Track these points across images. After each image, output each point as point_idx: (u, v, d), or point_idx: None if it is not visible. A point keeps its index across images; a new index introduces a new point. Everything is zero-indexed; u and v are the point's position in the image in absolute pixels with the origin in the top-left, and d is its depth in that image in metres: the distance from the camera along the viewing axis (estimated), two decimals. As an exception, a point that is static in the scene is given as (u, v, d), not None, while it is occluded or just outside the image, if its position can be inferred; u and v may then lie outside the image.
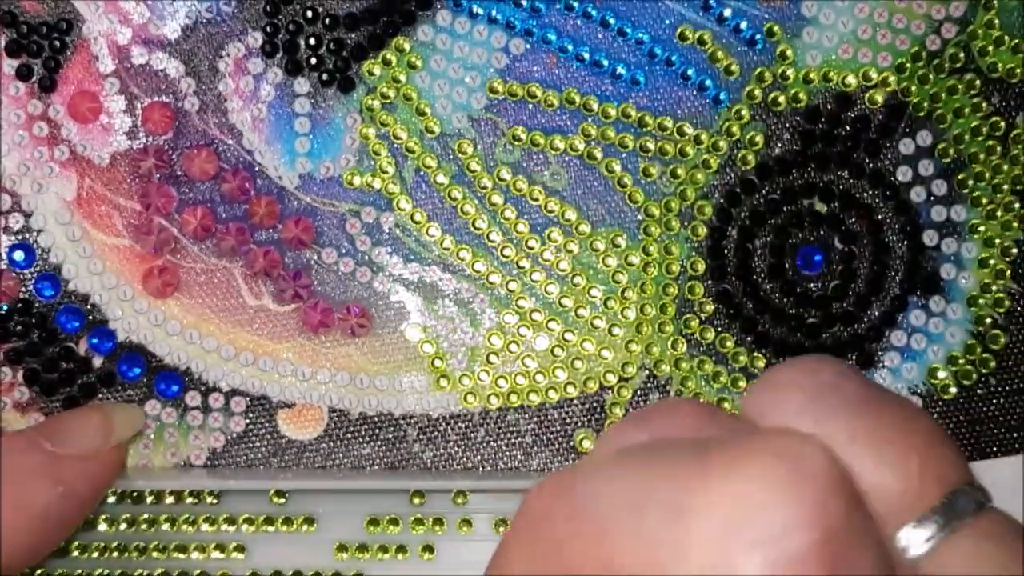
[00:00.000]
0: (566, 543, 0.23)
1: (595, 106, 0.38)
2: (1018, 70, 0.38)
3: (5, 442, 0.34)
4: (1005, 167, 0.38)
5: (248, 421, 0.38)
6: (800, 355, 0.37)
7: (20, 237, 0.38)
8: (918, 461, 0.23)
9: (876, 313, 0.39)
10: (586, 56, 0.38)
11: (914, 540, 0.22)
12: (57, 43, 0.37)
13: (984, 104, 0.38)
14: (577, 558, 0.23)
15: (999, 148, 0.38)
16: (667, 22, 0.38)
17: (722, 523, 0.20)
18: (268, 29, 0.38)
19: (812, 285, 0.39)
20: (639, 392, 0.38)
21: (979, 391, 0.39)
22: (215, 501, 0.38)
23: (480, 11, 0.38)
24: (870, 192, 0.38)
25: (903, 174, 0.38)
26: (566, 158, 0.38)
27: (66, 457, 0.34)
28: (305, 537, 0.38)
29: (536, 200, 0.38)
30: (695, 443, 0.23)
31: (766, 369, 0.36)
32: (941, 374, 0.38)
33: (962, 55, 0.38)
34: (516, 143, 0.38)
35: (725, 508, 0.21)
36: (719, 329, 0.39)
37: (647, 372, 0.38)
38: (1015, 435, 0.39)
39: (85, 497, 0.35)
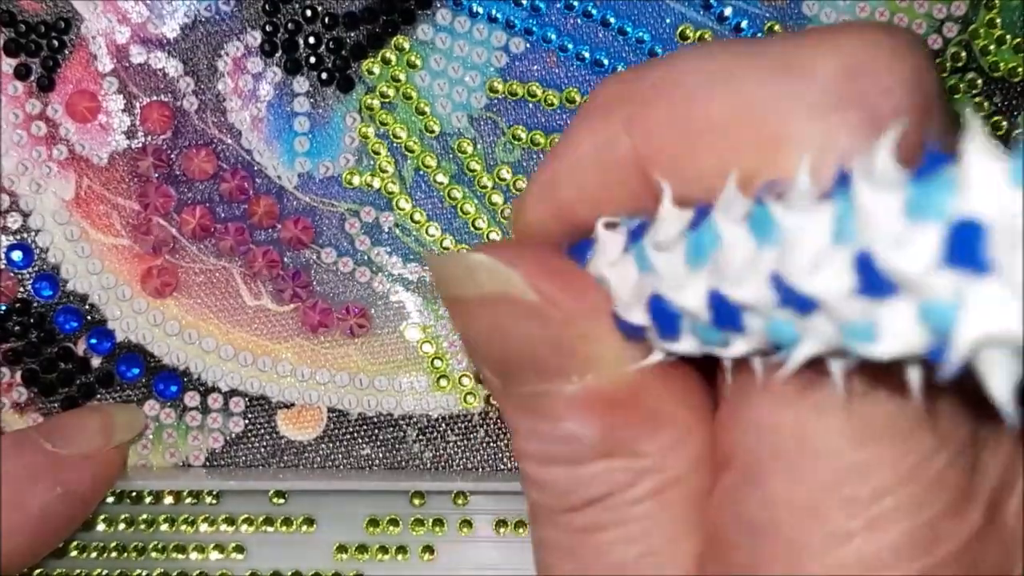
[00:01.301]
0: (644, 111, 0.23)
1: (595, 105, 0.38)
2: (1020, 69, 0.38)
3: (5, 442, 0.34)
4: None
5: (247, 421, 0.39)
6: None
7: (18, 237, 0.38)
8: None
9: (877, 313, 0.39)
10: (586, 55, 0.38)
11: None
12: (55, 42, 0.38)
13: (986, 103, 0.38)
14: (657, 125, 0.23)
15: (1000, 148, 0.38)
16: (668, 21, 0.38)
17: (822, 79, 0.21)
18: (267, 28, 0.38)
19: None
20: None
21: (981, 391, 0.39)
22: (214, 501, 0.39)
23: (480, 10, 0.38)
24: (871, 192, 0.39)
25: (904, 174, 0.38)
26: (566, 157, 0.38)
27: (66, 457, 0.35)
28: (304, 538, 0.39)
29: (536, 200, 0.38)
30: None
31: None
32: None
33: (964, 54, 0.38)
34: (516, 142, 0.38)
35: (827, 66, 0.21)
36: (720, 329, 0.39)
37: (647, 372, 0.39)
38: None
39: (85, 498, 0.35)
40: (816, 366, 0.20)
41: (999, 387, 0.16)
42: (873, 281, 0.17)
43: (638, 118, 0.23)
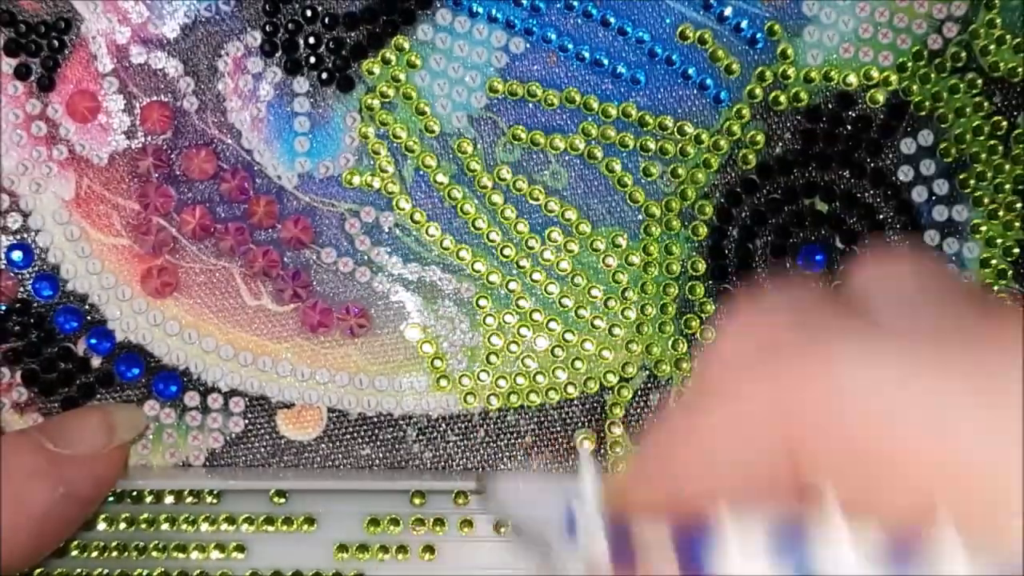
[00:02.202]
0: (809, 439, 0.21)
1: (595, 105, 0.39)
2: (1020, 69, 0.39)
3: (6, 442, 0.35)
4: (1007, 167, 0.39)
5: (247, 421, 0.39)
6: None
7: (18, 237, 0.38)
8: None
9: (877, 313, 0.39)
10: (586, 55, 0.39)
11: None
12: (55, 42, 0.38)
13: (986, 103, 0.39)
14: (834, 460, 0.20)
15: (1001, 148, 0.39)
16: (667, 21, 0.39)
17: None
18: (267, 28, 0.38)
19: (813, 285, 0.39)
20: (639, 392, 0.39)
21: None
22: (215, 501, 0.39)
23: (480, 10, 0.38)
24: (871, 192, 0.39)
25: (904, 174, 0.39)
26: (566, 157, 0.39)
27: (68, 457, 0.35)
28: (305, 537, 0.39)
29: (536, 200, 0.39)
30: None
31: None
32: (943, 374, 0.39)
33: (964, 54, 0.39)
34: (516, 142, 0.39)
35: None
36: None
37: (648, 372, 0.39)
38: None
39: (86, 498, 0.36)
40: None
41: None
42: None
43: (800, 440, 0.21)
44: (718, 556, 0.21)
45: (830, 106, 0.39)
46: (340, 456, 0.39)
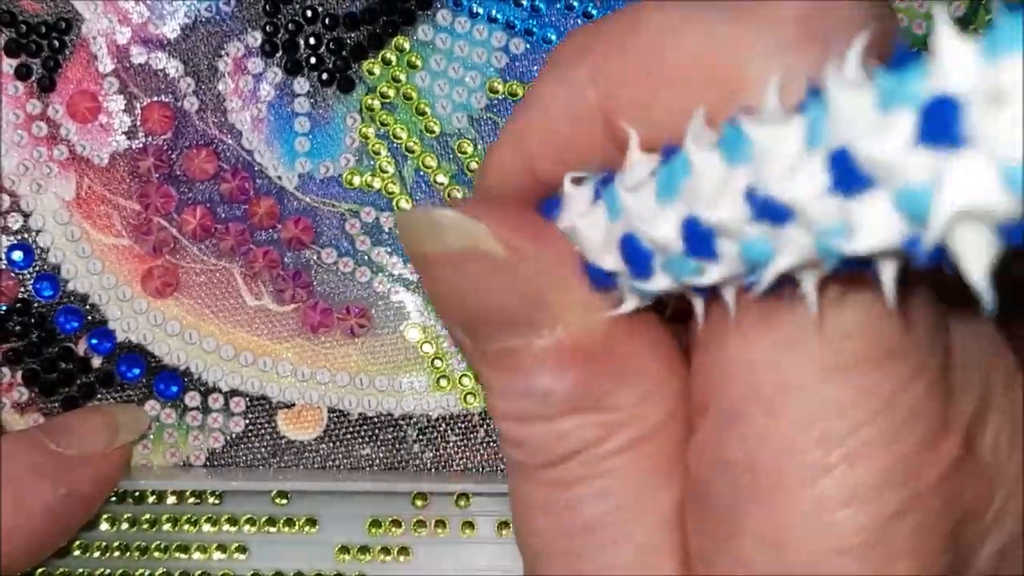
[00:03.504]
0: (610, 60, 0.24)
1: (596, 106, 0.39)
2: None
3: (7, 442, 0.35)
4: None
5: (247, 421, 0.40)
6: None
7: (19, 237, 0.39)
8: None
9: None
10: (587, 56, 0.39)
11: None
12: (56, 42, 0.38)
13: (986, 104, 0.39)
14: (625, 73, 0.23)
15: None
16: (668, 21, 0.39)
17: (782, 18, 0.21)
18: (268, 28, 0.39)
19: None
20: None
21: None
22: (217, 502, 0.39)
23: (480, 10, 0.39)
24: (871, 192, 0.39)
25: (904, 174, 0.39)
26: (566, 158, 0.39)
27: (70, 457, 0.35)
28: (307, 538, 0.39)
29: (536, 200, 0.39)
30: None
31: None
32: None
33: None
34: (516, 143, 0.39)
35: (790, 4, 0.22)
36: (720, 329, 0.40)
37: (648, 372, 0.40)
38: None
39: (88, 498, 0.36)
40: (788, 299, 0.21)
41: (976, 266, 0.17)
42: (848, 177, 0.18)
43: (601, 67, 0.24)
44: (564, 212, 0.25)
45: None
46: (340, 456, 0.40)
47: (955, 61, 0.16)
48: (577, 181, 0.25)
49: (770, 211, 0.19)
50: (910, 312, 0.22)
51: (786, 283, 0.21)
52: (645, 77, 0.23)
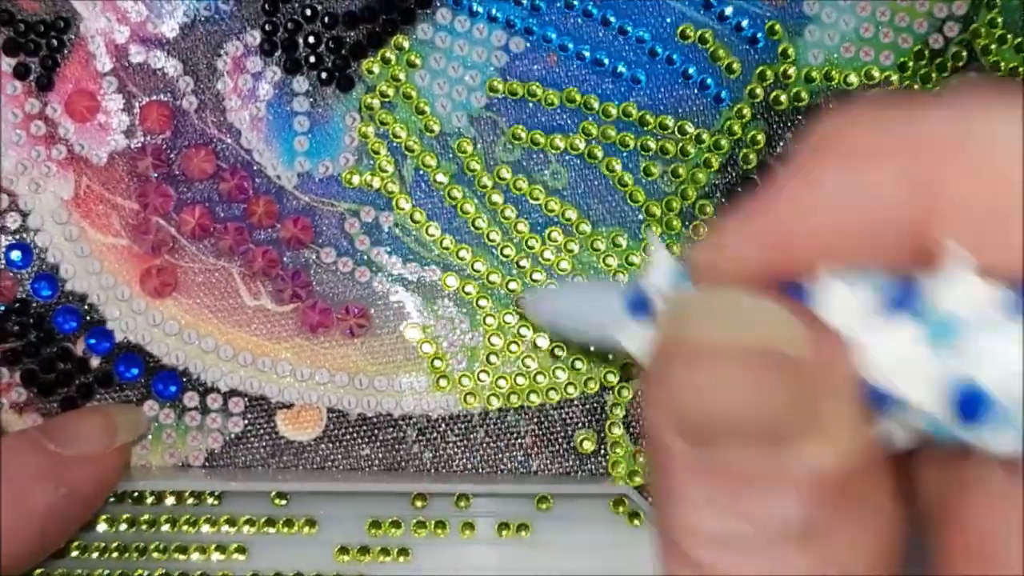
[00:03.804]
0: (933, 170, 0.21)
1: (596, 105, 0.39)
2: (1021, 68, 0.39)
3: (8, 442, 0.35)
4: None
5: (246, 422, 0.39)
6: None
7: (17, 237, 0.39)
8: None
9: (878, 313, 0.40)
10: (586, 54, 0.39)
11: None
12: (55, 41, 0.38)
13: (987, 103, 0.39)
14: (959, 191, 0.20)
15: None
16: (668, 20, 0.39)
17: None
18: (267, 27, 0.39)
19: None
20: (640, 393, 0.39)
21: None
22: (216, 502, 0.39)
23: (480, 9, 0.39)
24: (872, 191, 0.39)
25: (905, 173, 0.39)
26: (566, 157, 0.39)
27: (69, 458, 0.35)
28: (306, 539, 0.39)
29: (536, 199, 0.39)
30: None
31: None
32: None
33: (965, 53, 0.39)
34: (516, 142, 0.39)
35: None
36: (720, 329, 0.40)
37: (648, 372, 0.39)
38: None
39: (88, 498, 0.36)
40: None
41: None
42: None
43: (923, 173, 0.20)
44: (824, 302, 0.22)
45: (831, 106, 0.39)
46: (340, 456, 0.40)
47: None
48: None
49: None
50: None
51: None
52: (989, 198, 0.20)
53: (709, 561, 0.22)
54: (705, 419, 0.21)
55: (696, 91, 0.39)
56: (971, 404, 0.19)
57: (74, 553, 0.39)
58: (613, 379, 0.40)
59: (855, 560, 0.21)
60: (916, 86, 0.39)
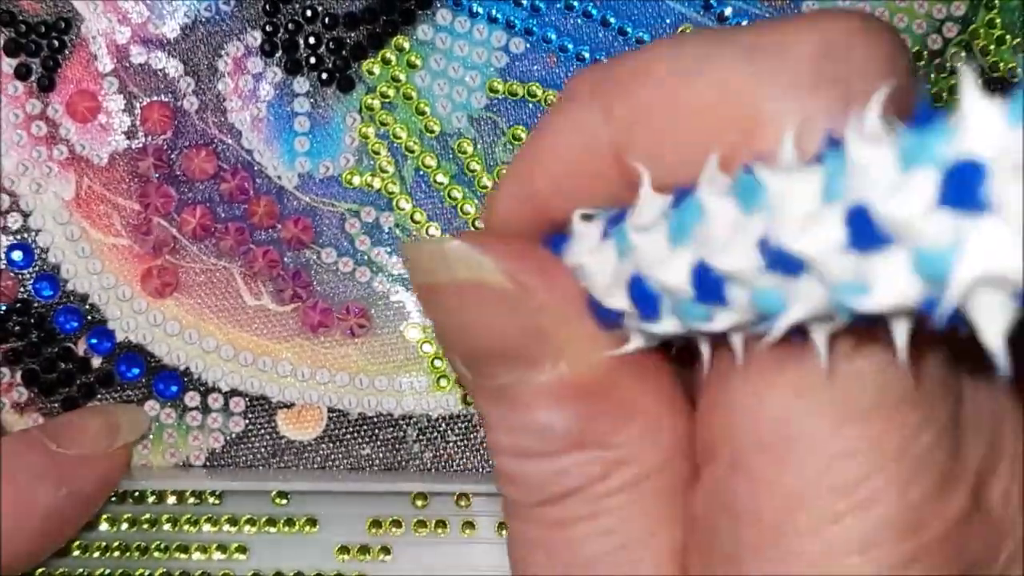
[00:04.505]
0: (623, 98, 0.24)
1: (596, 105, 0.39)
2: (1020, 69, 0.39)
3: (8, 442, 0.35)
4: (1007, 167, 0.39)
5: (247, 421, 0.40)
6: None
7: (18, 237, 0.39)
8: None
9: (877, 313, 0.40)
10: (586, 55, 0.39)
11: None
12: (56, 42, 0.39)
13: (986, 104, 0.39)
14: (634, 113, 0.24)
15: (1000, 148, 0.39)
16: (667, 21, 0.39)
17: (798, 58, 0.21)
18: (267, 28, 0.39)
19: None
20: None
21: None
22: (217, 502, 0.40)
23: (480, 10, 0.39)
24: (871, 192, 0.39)
25: (904, 174, 0.39)
26: (566, 157, 0.39)
27: (71, 458, 0.36)
28: (307, 538, 0.39)
29: (536, 200, 0.39)
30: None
31: None
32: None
33: (963, 55, 0.39)
34: (516, 143, 0.39)
35: (801, 46, 0.22)
36: (720, 329, 0.40)
37: (647, 372, 0.40)
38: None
39: (89, 498, 0.36)
40: (797, 346, 0.21)
41: (992, 330, 0.17)
42: (866, 234, 0.18)
43: (615, 107, 0.24)
44: (571, 247, 0.25)
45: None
46: (340, 456, 0.40)
47: (982, 124, 0.16)
48: (586, 218, 0.25)
49: (783, 262, 0.19)
50: (920, 363, 0.21)
51: (796, 332, 0.20)
52: (659, 117, 0.23)
53: (514, 471, 0.25)
54: (465, 350, 0.26)
55: (696, 92, 0.39)
56: (639, 296, 0.23)
57: (75, 552, 0.39)
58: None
59: (643, 457, 0.24)
60: (915, 87, 0.39)
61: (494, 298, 0.24)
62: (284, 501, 0.40)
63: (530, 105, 0.39)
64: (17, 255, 0.39)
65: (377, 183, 0.39)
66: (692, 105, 0.22)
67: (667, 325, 0.23)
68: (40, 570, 0.39)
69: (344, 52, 0.39)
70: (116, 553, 0.39)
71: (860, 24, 0.22)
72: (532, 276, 0.24)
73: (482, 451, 0.40)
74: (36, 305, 0.39)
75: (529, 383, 0.25)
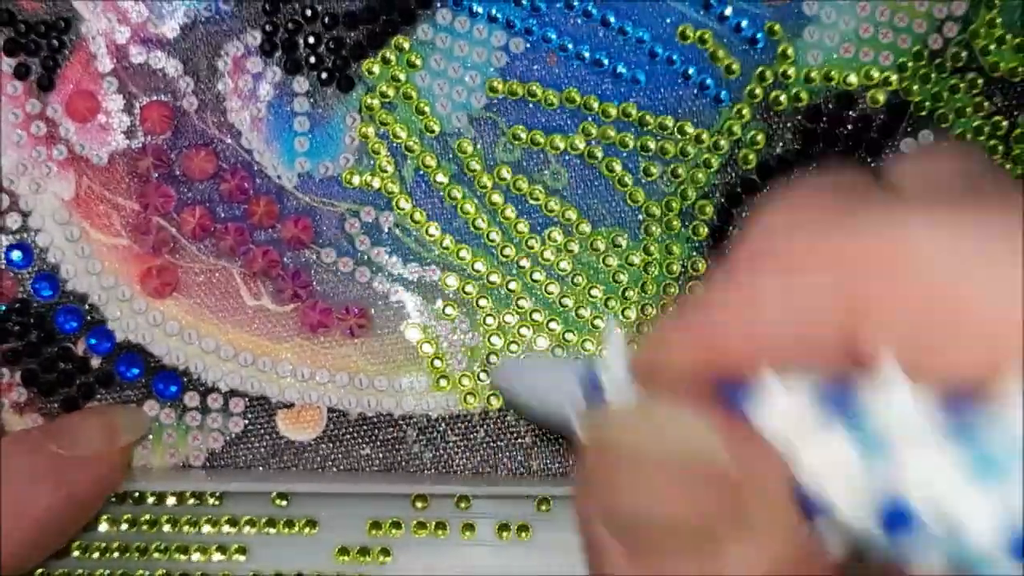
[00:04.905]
0: (869, 288, 0.21)
1: (595, 105, 0.39)
2: (1020, 69, 0.39)
3: (9, 443, 0.35)
4: (1007, 167, 0.39)
5: (247, 422, 0.40)
6: None
7: (18, 237, 0.39)
8: None
9: (877, 313, 0.40)
10: (586, 55, 0.39)
11: None
12: (55, 42, 0.39)
13: (986, 103, 0.39)
14: (894, 309, 0.21)
15: (1001, 147, 0.39)
16: (668, 21, 0.39)
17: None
18: (267, 28, 0.39)
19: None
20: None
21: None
22: (217, 503, 0.40)
23: (480, 10, 0.39)
24: (871, 192, 0.40)
25: (905, 174, 0.39)
26: (566, 157, 0.39)
27: (70, 459, 0.36)
28: (307, 540, 0.40)
29: (536, 199, 0.39)
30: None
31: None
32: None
33: (964, 54, 0.39)
34: (516, 142, 0.39)
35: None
36: (720, 329, 0.40)
37: (648, 372, 0.40)
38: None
39: (89, 499, 0.36)
40: None
41: None
42: None
43: (858, 287, 0.21)
44: (760, 405, 0.22)
45: (830, 106, 0.39)
46: (340, 456, 0.40)
47: None
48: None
49: None
50: None
51: None
52: (924, 319, 0.20)
53: None
54: (633, 521, 0.23)
55: (696, 91, 0.39)
56: (897, 519, 0.19)
57: (75, 553, 0.39)
58: (613, 379, 0.40)
59: None
60: (915, 86, 0.39)
61: (705, 473, 0.22)
62: (284, 502, 0.40)
63: (530, 105, 0.39)
64: (16, 255, 0.39)
65: (377, 183, 0.39)
66: (973, 313, 0.20)
67: (924, 558, 0.19)
68: (40, 570, 0.39)
69: (344, 52, 0.39)
70: (116, 554, 0.40)
71: None
72: (743, 447, 0.22)
73: (482, 451, 0.40)
74: (36, 305, 0.39)
75: (704, 566, 0.22)
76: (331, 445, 0.40)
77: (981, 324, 0.20)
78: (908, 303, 0.21)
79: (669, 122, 0.39)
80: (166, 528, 0.40)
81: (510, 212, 0.39)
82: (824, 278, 0.22)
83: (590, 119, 0.39)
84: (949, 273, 0.20)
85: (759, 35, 0.39)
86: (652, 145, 0.39)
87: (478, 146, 0.39)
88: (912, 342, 0.20)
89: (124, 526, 0.40)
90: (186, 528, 0.40)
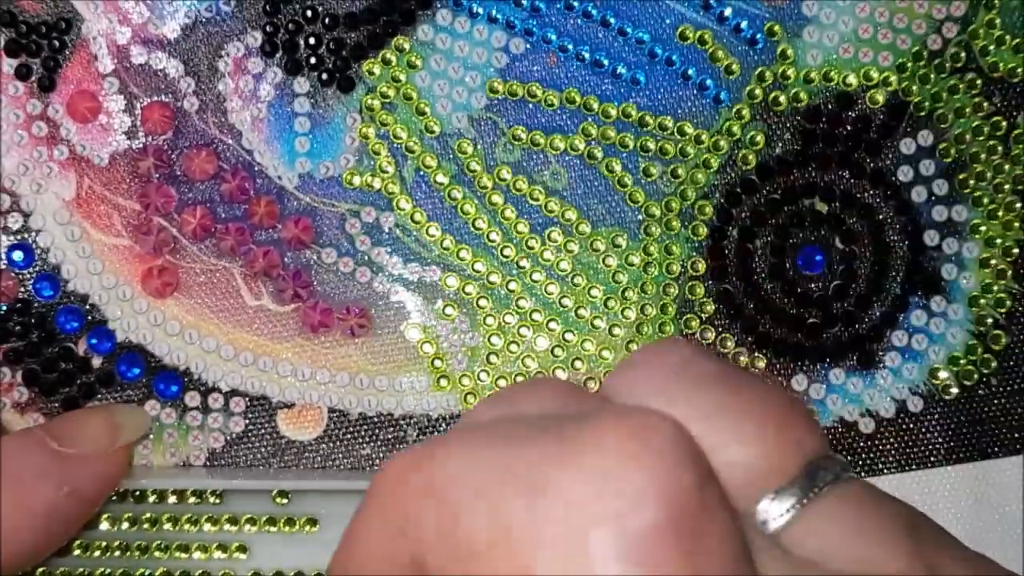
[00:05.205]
0: (418, 518, 0.23)
1: (595, 106, 0.39)
2: (1019, 69, 0.39)
3: (10, 441, 0.35)
4: (1006, 167, 0.40)
5: (248, 421, 0.40)
6: (798, 354, 0.38)
7: (19, 237, 0.39)
8: (775, 433, 0.24)
9: (877, 313, 0.40)
10: (586, 55, 0.39)
11: (773, 512, 0.23)
12: (56, 42, 0.39)
13: (985, 104, 0.39)
14: (429, 535, 0.23)
15: (1000, 148, 0.40)
16: (667, 21, 0.39)
17: (573, 499, 0.21)
18: (268, 28, 0.39)
19: (813, 285, 0.40)
20: None
21: (980, 391, 0.40)
22: (218, 501, 0.40)
23: (480, 10, 0.39)
24: (871, 192, 0.40)
25: (904, 174, 0.40)
26: (566, 158, 0.40)
27: (72, 457, 0.36)
28: (307, 538, 0.40)
29: (536, 200, 0.40)
30: (553, 418, 0.23)
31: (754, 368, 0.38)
32: (942, 374, 0.40)
33: (963, 54, 0.39)
34: (516, 143, 0.39)
35: (576, 484, 0.21)
36: (720, 329, 0.40)
37: (647, 372, 0.40)
38: (1016, 435, 0.40)
39: (90, 498, 0.36)
40: None
41: None
42: None
43: (411, 524, 0.23)
44: None
45: (830, 107, 0.39)
46: (340, 456, 0.40)
47: None
48: None
49: None
50: None
51: None
52: (448, 548, 0.22)
53: None
54: None
55: (695, 92, 0.40)
56: None
57: (76, 552, 0.39)
58: (613, 379, 0.40)
59: None
60: (915, 87, 0.39)
61: None
62: (284, 500, 0.40)
63: (530, 105, 0.39)
64: (17, 255, 0.39)
65: (377, 183, 0.39)
66: (476, 544, 0.22)
67: None
68: (41, 569, 0.39)
69: (344, 52, 0.39)
70: (117, 552, 0.40)
71: (633, 447, 0.21)
72: None
73: (482, 451, 0.40)
74: (36, 305, 0.39)
75: None
76: (331, 445, 0.40)
77: (482, 558, 0.22)
78: (438, 539, 0.23)
79: (669, 122, 0.39)
80: (167, 526, 0.40)
81: (510, 212, 0.40)
82: (374, 519, 0.24)
83: (590, 120, 0.39)
84: (463, 505, 0.22)
85: (759, 36, 0.39)
86: (652, 145, 0.39)
87: (478, 147, 0.39)
88: (452, 555, 0.22)
89: (125, 524, 0.40)
90: (187, 526, 0.40)
